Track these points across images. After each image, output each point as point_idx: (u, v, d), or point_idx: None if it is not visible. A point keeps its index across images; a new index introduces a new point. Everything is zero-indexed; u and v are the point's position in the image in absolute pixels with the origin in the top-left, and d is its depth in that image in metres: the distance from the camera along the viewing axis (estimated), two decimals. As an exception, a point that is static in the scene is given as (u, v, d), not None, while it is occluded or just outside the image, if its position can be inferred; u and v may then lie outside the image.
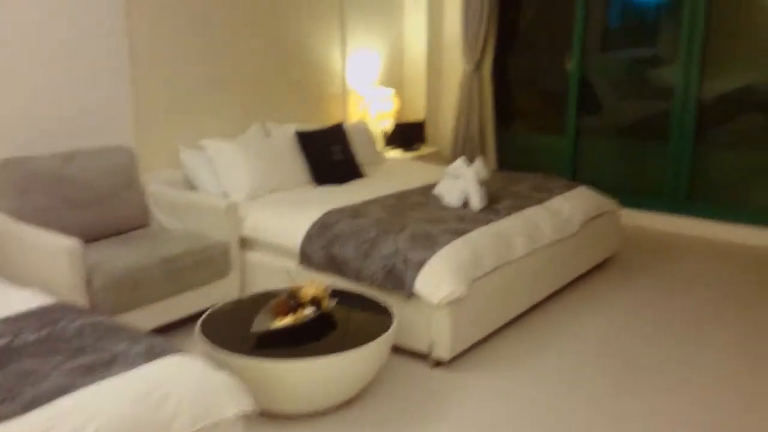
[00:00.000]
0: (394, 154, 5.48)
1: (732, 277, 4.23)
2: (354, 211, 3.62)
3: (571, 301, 3.89)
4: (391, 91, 5.48)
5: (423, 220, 3.48)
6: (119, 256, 3.20)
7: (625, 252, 4.67)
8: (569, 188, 4.26)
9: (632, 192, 5.34)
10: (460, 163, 3.93)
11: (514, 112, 6.12)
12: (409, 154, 5.52)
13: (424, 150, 5.70)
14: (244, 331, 2.74)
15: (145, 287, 3.19)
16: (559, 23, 5.61)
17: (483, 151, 5.78)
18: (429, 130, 5.93)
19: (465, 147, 5.79)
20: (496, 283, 3.33)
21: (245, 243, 3.78)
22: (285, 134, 4.47)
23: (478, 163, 3.93)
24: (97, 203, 3.51)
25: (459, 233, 3.32)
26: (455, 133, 5.80)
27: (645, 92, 5.48)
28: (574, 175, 5.62)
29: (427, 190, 4.12)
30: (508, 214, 3.70)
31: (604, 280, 4.20)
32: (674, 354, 3.24)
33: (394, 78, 5.85)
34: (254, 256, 3.76)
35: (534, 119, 6.13)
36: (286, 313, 2.80)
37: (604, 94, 5.68)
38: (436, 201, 3.89)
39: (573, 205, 4.05)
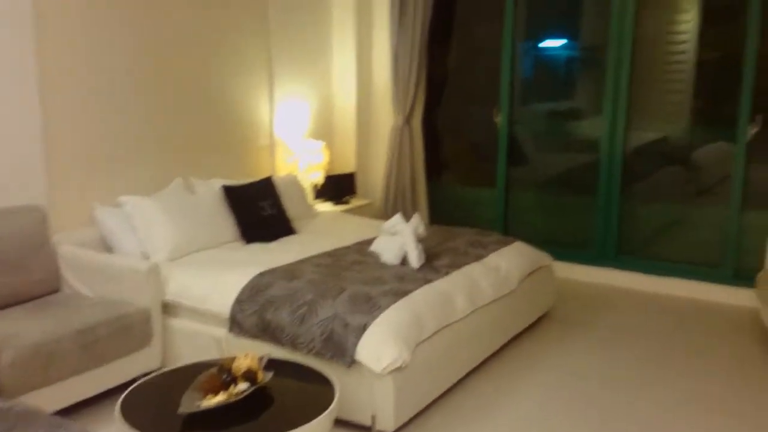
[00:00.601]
0: (325, 207, 5.33)
1: (661, 328, 4.24)
2: (288, 272, 3.42)
3: (512, 360, 3.79)
4: (321, 143, 5.35)
5: (361, 280, 3.32)
6: (29, 328, 2.88)
7: (559, 306, 4.63)
8: (505, 243, 4.20)
9: (563, 245, 5.36)
10: (397, 219, 3.81)
11: (445, 164, 6.11)
12: (340, 207, 5.37)
13: (355, 202, 5.57)
14: (171, 411, 2.48)
15: (58, 362, 2.87)
16: (488, 76, 5.66)
17: (414, 204, 5.71)
18: (360, 182, 5.82)
19: (396, 199, 5.70)
20: (439, 347, 3.19)
21: (168, 309, 3.50)
22: (210, 189, 4.24)
23: (416, 219, 3.83)
24: (3, 268, 3.18)
25: (400, 294, 3.18)
26: (386, 186, 5.71)
27: (572, 145, 5.58)
28: (506, 228, 5.61)
29: (362, 247, 3.97)
30: (448, 272, 3.59)
31: (543, 336, 4.13)
32: (617, 409, 3.17)
33: (324, 129, 5.74)
34: (179, 324, 3.48)
35: (465, 172, 6.12)
36: (217, 390, 2.55)
37: (531, 147, 5.74)
38: (374, 259, 3.74)
39: (510, 261, 3.98)
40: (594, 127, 5.28)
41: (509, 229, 5.60)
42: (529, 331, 4.17)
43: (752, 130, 4.51)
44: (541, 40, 5.53)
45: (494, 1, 5.45)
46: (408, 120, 5.61)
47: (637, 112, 5.07)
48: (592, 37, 5.50)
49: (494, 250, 4.04)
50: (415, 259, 3.65)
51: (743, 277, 4.63)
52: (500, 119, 5.48)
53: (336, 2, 5.62)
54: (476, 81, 5.90)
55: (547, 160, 5.75)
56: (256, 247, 4.02)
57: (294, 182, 4.85)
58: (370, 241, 4.04)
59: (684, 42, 5.15)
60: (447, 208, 5.89)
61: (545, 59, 5.61)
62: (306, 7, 5.42)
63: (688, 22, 5.12)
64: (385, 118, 5.77)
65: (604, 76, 5.05)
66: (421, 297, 3.23)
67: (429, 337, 3.12)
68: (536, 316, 4.24)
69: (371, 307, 3.04)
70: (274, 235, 4.24)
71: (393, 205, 5.71)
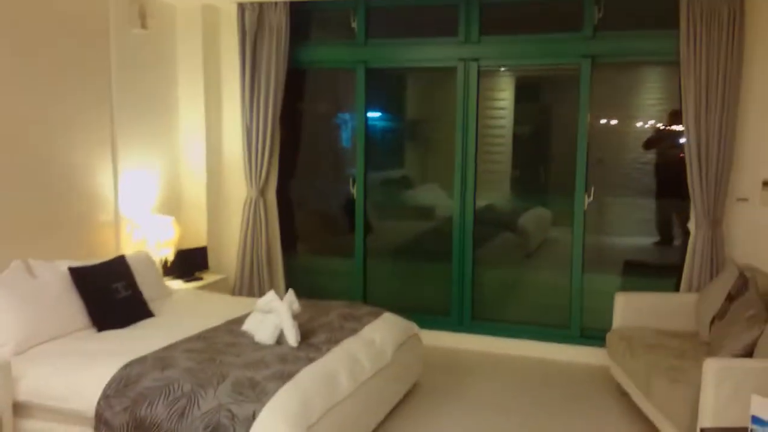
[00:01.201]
0: (175, 284, 5.01)
1: (523, 390, 4.42)
2: (158, 361, 3.15)
3: (392, 435, 3.74)
4: (170, 218, 5.07)
5: (242, 365, 3.13)
6: None
7: (425, 375, 4.68)
8: (376, 315, 4.20)
9: (420, 312, 5.45)
10: (271, 296, 3.67)
11: (301, 235, 6.05)
12: (193, 284, 5.09)
13: (209, 278, 5.31)
14: None
15: None
16: (342, 145, 5.75)
17: (271, 277, 5.55)
18: (212, 257, 5.57)
19: (252, 273, 5.51)
20: (327, 429, 3.07)
21: (21, 410, 3.06)
22: (54, 272, 3.83)
23: (290, 295, 3.72)
24: None
25: (285, 377, 3.04)
26: (241, 259, 5.51)
27: (410, 212, 5.83)
28: (365, 297, 5.62)
29: (233, 327, 3.77)
30: (329, 349, 3.50)
31: (415, 409, 4.12)
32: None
33: (173, 201, 5.46)
34: (34, 426, 3.05)
35: (321, 242, 6.10)
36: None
37: (375, 215, 5.86)
38: (248, 339, 3.56)
39: (383, 333, 3.98)
40: (426, 195, 5.57)
41: (368, 299, 5.61)
42: (402, 404, 4.15)
43: (588, 200, 4.94)
44: (372, 113, 5.76)
45: (335, 77, 5.62)
46: (262, 192, 5.51)
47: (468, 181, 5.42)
48: (417, 112, 5.93)
49: (367, 323, 4.02)
50: (292, 338, 3.52)
51: (589, 337, 4.98)
52: (356, 189, 5.54)
53: (183, 72, 5.46)
54: (332, 151, 5.98)
55: (392, 228, 5.91)
56: (112, 334, 3.67)
57: (147, 260, 4.53)
58: (239, 320, 3.85)
59: (502, 117, 5.64)
60: (304, 280, 5.80)
61: (376, 131, 5.82)
62: (151, 77, 5.20)
63: (504, 100, 5.62)
64: (238, 190, 5.63)
65: (453, 147, 5.30)
66: (308, 378, 3.11)
67: (318, 420, 2.99)
68: (407, 388, 4.23)
69: (259, 394, 2.87)
70: (131, 320, 3.91)
71: (249, 279, 5.51)
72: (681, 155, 4.60)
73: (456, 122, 5.23)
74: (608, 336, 4.34)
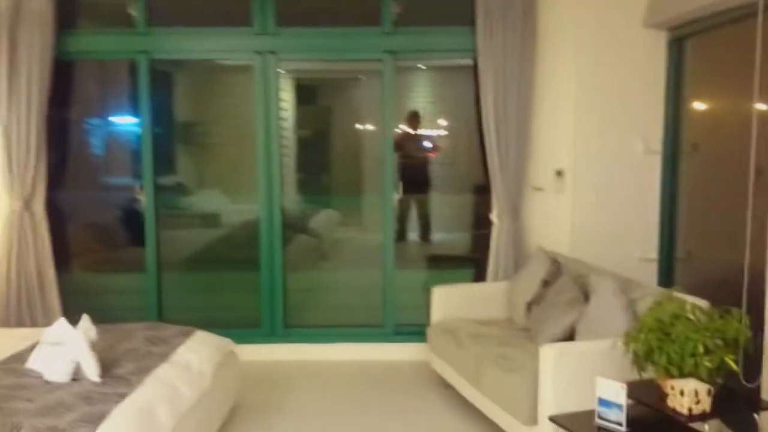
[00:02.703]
0: None
1: (349, 395, 4.23)
2: None
3: (218, 467, 3.33)
4: None
5: (38, 411, 2.55)
6: None
7: (244, 393, 4.29)
8: (186, 335, 3.73)
9: (226, 326, 5.00)
10: (62, 325, 3.07)
11: (77, 251, 5.27)
12: (-56, 319, 4.17)
13: (-37, 310, 4.39)
14: None
15: None
16: (121, 148, 5.12)
17: (44, 299, 4.75)
18: (-34, 284, 4.62)
19: (20, 296, 4.67)
20: (151, 474, 2.61)
21: None
22: None
23: (85, 322, 3.15)
24: None
25: (96, 420, 2.52)
26: (6, 281, 4.64)
27: (196, 220, 5.44)
28: (161, 315, 5.04)
29: (14, 365, 3.09)
30: (140, 380, 3.00)
31: (243, 430, 3.74)
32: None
33: None
34: None
35: (102, 258, 5.38)
36: None
37: (170, 226, 5.34)
38: (36, 379, 2.93)
39: (199, 354, 3.54)
40: (208, 202, 5.23)
41: (165, 317, 5.04)
42: (225, 430, 3.74)
43: (397, 197, 4.90)
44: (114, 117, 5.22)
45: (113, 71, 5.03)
46: (28, 204, 4.69)
47: (243, 186, 5.14)
48: (193, 114, 5.53)
49: (179, 344, 3.55)
50: (93, 371, 2.97)
51: (403, 333, 4.94)
52: (146, 197, 4.94)
53: None
54: (107, 158, 5.30)
55: (178, 238, 5.43)
56: None
57: None
58: (20, 357, 3.17)
59: (284, 119, 5.45)
60: (85, 302, 5.01)
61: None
62: None
63: (285, 101, 5.43)
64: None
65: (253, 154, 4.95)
66: (122, 418, 2.62)
67: (141, 467, 2.52)
68: (227, 410, 3.82)
69: (65, 446, 2.33)
70: None
71: (17, 306, 4.66)
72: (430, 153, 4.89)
73: (256, 121, 4.88)
74: (429, 330, 4.32)
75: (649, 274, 4.55)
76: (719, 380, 2.70)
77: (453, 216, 5.51)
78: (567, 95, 4.54)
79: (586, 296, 3.64)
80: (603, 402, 2.76)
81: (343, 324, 5.11)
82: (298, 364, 4.85)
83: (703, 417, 2.56)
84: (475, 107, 4.75)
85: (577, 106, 4.54)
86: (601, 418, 2.77)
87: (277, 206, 4.95)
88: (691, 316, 2.78)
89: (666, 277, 4.53)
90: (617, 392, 2.71)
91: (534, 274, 4.09)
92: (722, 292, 3.37)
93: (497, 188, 4.63)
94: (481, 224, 5.04)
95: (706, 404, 2.57)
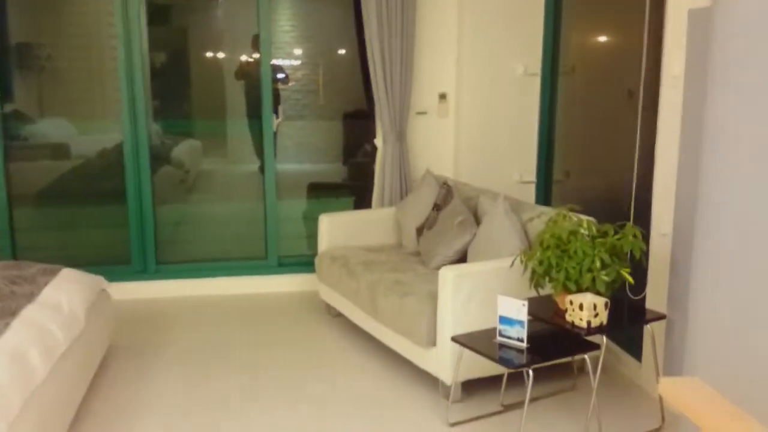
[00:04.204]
0: None
1: (236, 331, 4.06)
2: None
3: (102, 415, 3.07)
4: None
5: None
6: None
7: (119, 334, 3.99)
8: (53, 273, 3.36)
9: (93, 264, 4.61)
10: None
11: None
12: None
13: None
14: None
15: None
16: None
17: None
18: None
19: None
20: (29, 420, 2.34)
21: None
22: None
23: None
24: None
25: (-42, 371, 2.19)
26: None
27: (63, 152, 4.90)
28: (14, 254, 4.55)
29: None
30: (7, 324, 2.66)
31: (120, 375, 3.48)
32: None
33: None
34: None
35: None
36: None
37: (12, 158, 4.78)
38: None
39: (69, 293, 3.20)
40: (54, 132, 4.75)
41: (20, 256, 4.56)
42: (101, 373, 3.46)
43: (277, 121, 4.65)
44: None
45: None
46: None
47: (95, 113, 4.74)
48: (24, 34, 4.90)
49: (46, 284, 3.19)
50: (-53, 317, 2.59)
51: (288, 264, 4.79)
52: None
53: None
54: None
55: (26, 170, 4.90)
56: None
57: None
58: None
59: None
60: None
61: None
62: None
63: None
64: None
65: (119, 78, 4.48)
66: (-10, 366, 2.30)
67: (20, 412, 2.25)
68: (103, 352, 3.53)
69: (-77, 402, 2.00)
70: None
71: None
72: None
73: (118, 42, 4.41)
74: (317, 259, 4.19)
75: (528, 196, 4.68)
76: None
77: (324, 145, 5.32)
78: (450, 20, 4.47)
79: (477, 219, 3.66)
80: (504, 320, 2.79)
81: (222, 258, 4.87)
82: (175, 300, 4.59)
83: (601, 329, 2.65)
84: (356, 34, 4.58)
85: (460, 31, 4.48)
86: (502, 335, 2.81)
87: (143, 133, 4.56)
88: (587, 233, 2.85)
89: (544, 200, 4.68)
90: (518, 309, 2.75)
91: (423, 198, 4.05)
92: (601, 212, 3.50)
93: (383, 113, 4.50)
94: (356, 152, 4.93)
95: (603, 317, 2.66)
